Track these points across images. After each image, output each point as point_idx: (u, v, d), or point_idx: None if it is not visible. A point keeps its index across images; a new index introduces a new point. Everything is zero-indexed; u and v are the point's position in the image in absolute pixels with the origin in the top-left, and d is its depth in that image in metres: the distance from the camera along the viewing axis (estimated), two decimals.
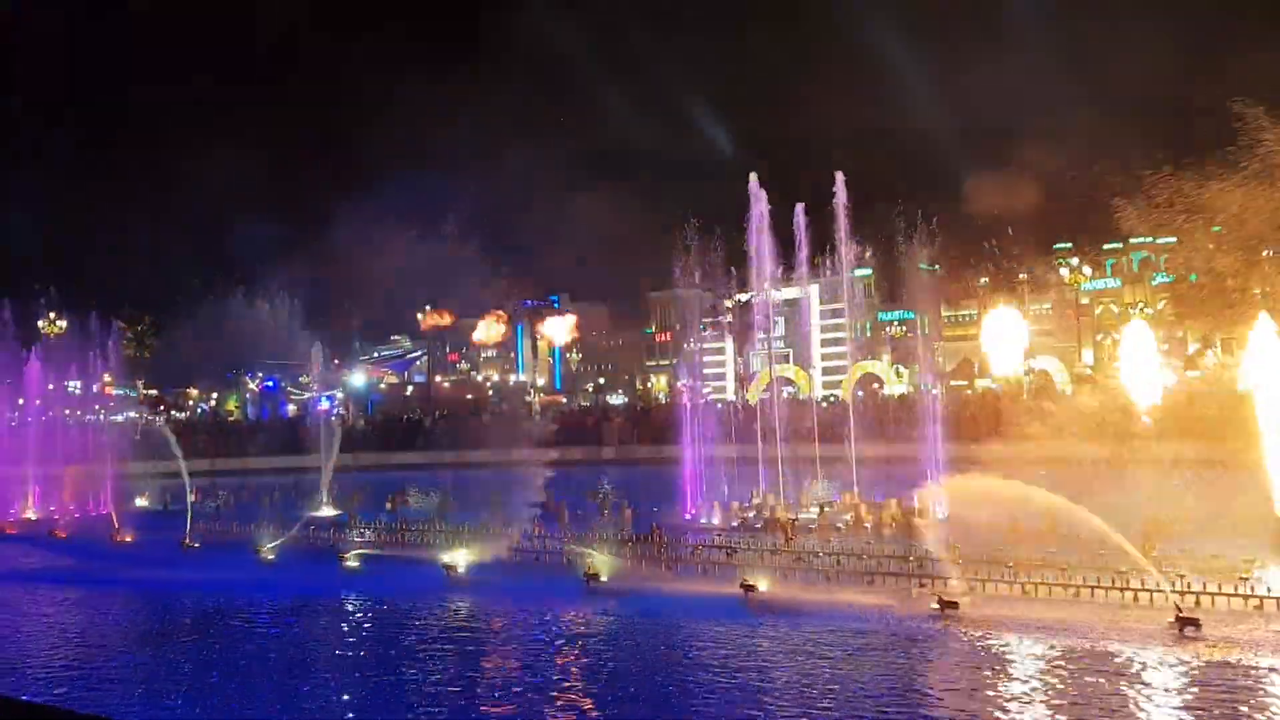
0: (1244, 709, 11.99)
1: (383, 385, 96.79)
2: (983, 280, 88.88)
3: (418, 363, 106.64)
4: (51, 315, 73.20)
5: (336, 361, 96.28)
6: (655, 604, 17.99)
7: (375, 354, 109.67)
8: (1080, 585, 17.34)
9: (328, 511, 31.02)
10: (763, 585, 17.91)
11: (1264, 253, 78.83)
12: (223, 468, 49.40)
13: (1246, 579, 17.15)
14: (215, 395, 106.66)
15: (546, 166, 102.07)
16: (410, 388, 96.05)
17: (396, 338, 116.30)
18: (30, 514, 32.84)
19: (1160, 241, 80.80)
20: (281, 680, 14.38)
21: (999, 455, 26.98)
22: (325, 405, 79.58)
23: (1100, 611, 16.25)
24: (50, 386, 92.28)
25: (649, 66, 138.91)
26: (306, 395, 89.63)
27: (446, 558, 21.43)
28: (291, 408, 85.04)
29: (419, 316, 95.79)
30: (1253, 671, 13.37)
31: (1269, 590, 16.29)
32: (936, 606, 16.41)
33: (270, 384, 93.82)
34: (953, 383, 67.05)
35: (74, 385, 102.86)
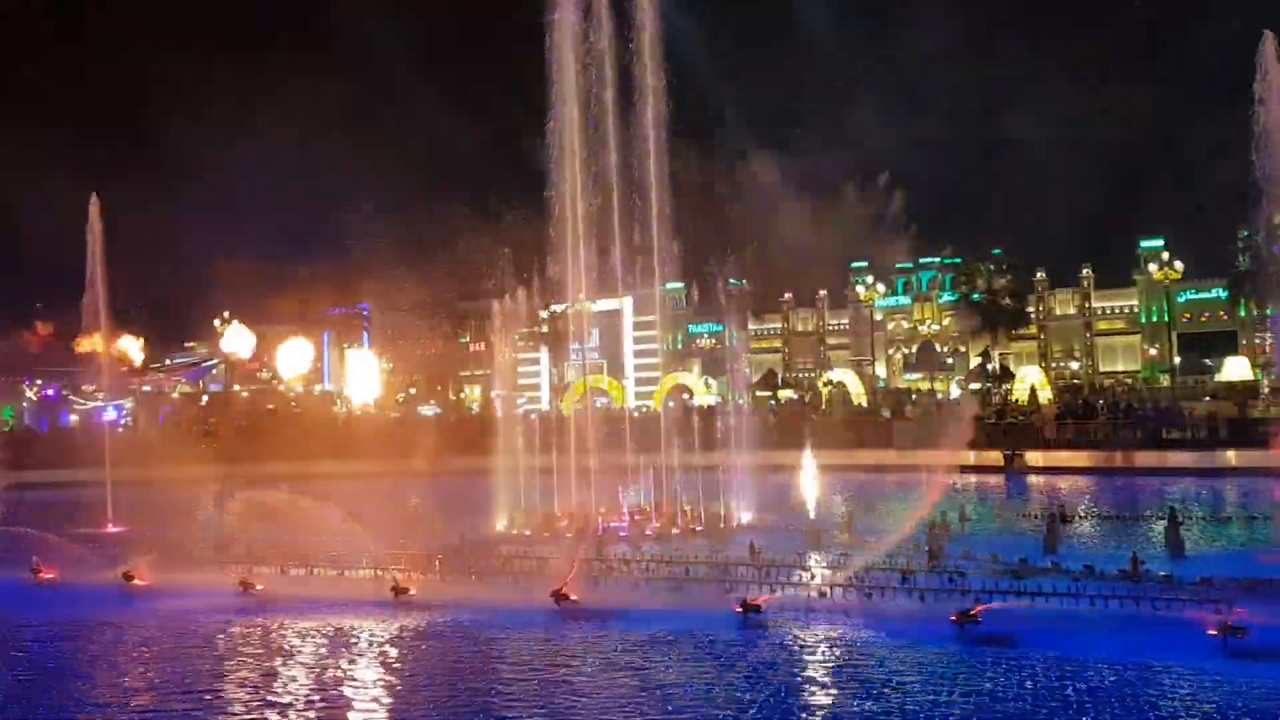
0: None
1: (175, 395, 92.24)
2: (786, 295, 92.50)
3: (213, 371, 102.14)
4: None
5: (126, 369, 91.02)
6: (466, 615, 18.08)
7: (168, 361, 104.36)
8: None
9: (113, 528, 29.48)
10: (574, 594, 18.28)
11: (1037, 274, 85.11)
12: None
13: None
14: None
15: (358, 168, 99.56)
16: (205, 397, 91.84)
17: (192, 345, 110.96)
18: None
19: (946, 261, 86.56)
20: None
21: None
22: (112, 415, 75.16)
23: None
24: None
25: (475, 66, 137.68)
26: (91, 405, 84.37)
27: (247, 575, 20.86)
28: (74, 418, 79.97)
29: (215, 325, 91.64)
30: None
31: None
32: (739, 609, 17.16)
33: (50, 393, 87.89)
34: (758, 393, 69.60)
35: None
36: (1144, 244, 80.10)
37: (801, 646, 15.80)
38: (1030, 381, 62.67)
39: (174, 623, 18.41)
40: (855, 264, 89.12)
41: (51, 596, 21.45)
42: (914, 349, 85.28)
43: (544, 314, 60.07)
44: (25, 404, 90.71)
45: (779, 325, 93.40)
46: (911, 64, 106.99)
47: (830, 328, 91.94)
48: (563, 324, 59.25)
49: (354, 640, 16.89)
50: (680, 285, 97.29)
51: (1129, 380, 75.86)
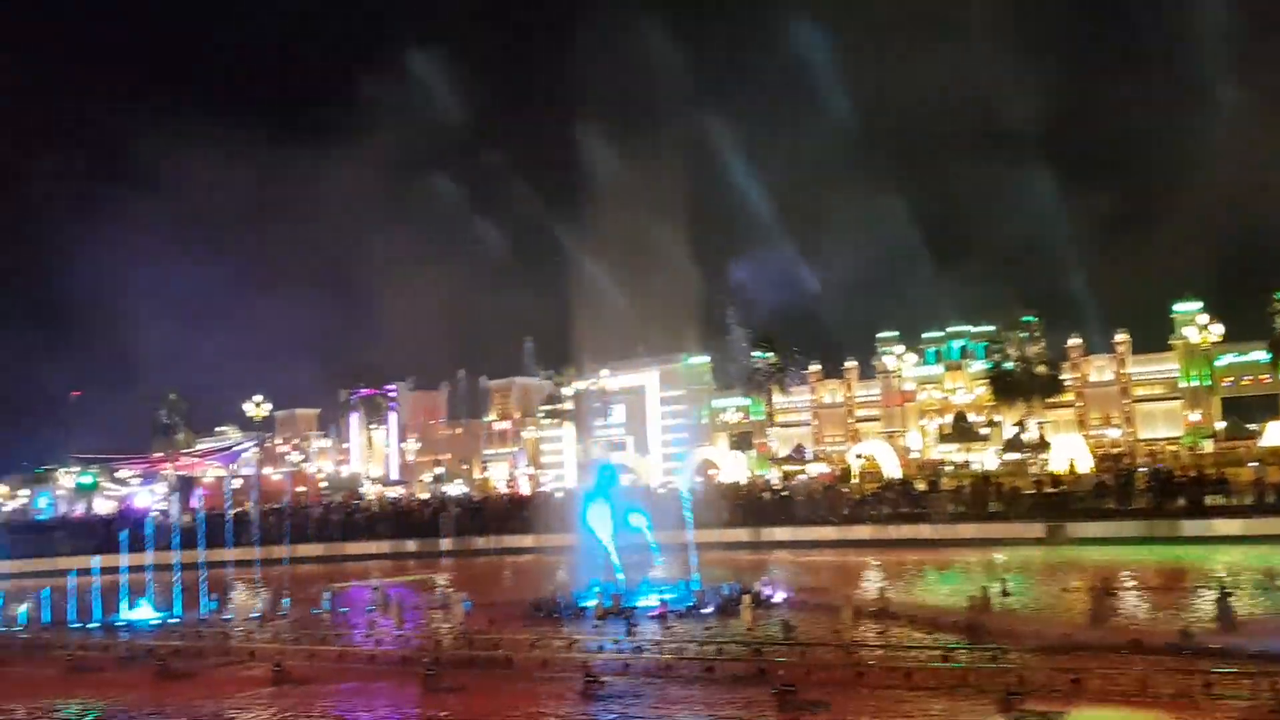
0: None
1: (208, 478, 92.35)
2: (814, 366, 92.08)
3: (246, 454, 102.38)
4: None
5: (159, 455, 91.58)
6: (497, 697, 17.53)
7: (201, 446, 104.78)
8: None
9: (147, 613, 29.20)
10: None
11: (1069, 340, 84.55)
12: (31, 569, 46.13)
13: None
14: (25, 492, 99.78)
15: (386, 248, 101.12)
16: (238, 481, 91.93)
17: (224, 429, 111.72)
18: None
19: (977, 329, 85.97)
20: None
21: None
22: (146, 500, 75.42)
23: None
24: None
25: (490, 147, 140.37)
26: (125, 490, 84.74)
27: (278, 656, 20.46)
28: (109, 504, 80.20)
29: (245, 409, 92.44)
30: None
31: None
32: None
33: (87, 480, 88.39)
34: (786, 467, 68.76)
35: None
36: (1178, 308, 79.28)
37: None
38: (1068, 450, 61.44)
39: None
40: (883, 334, 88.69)
41: None
42: (947, 419, 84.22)
43: (567, 391, 59.85)
44: (59, 492, 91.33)
45: (807, 397, 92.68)
46: (940, 127, 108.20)
47: (859, 399, 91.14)
48: (586, 400, 59.05)
49: None
50: (705, 359, 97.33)
51: (1171, 447, 74.42)
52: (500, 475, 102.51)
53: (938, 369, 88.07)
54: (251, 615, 27.91)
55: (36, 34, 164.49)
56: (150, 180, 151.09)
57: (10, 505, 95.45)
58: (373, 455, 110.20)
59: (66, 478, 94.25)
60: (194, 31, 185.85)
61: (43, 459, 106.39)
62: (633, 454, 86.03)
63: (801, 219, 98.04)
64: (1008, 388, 78.00)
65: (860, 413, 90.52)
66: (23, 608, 31.13)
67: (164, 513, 62.28)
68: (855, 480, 59.44)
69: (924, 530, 44.02)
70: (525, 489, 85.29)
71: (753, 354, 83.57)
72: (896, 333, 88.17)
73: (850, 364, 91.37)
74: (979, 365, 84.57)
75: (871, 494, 50.55)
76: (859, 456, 68.37)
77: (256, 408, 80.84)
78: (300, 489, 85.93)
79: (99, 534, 54.05)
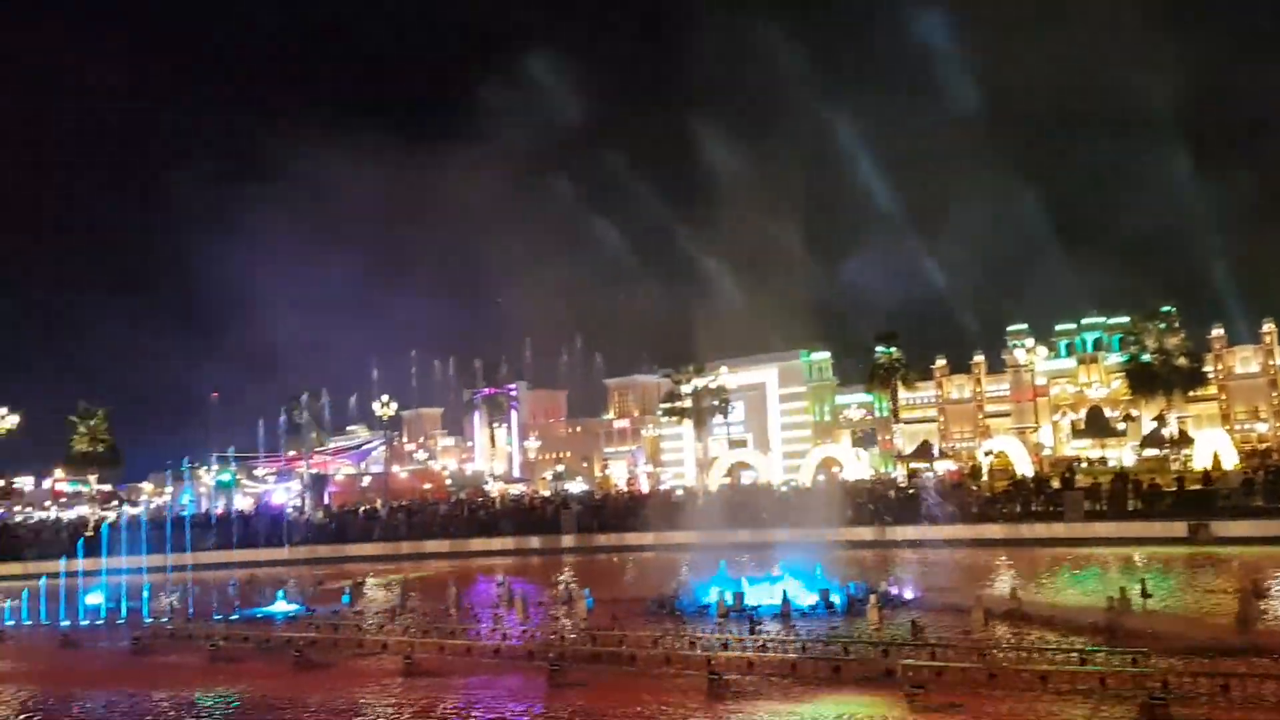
0: None
1: (339, 476, 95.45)
2: (940, 361, 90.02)
3: (374, 453, 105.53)
4: (2, 412, 71.85)
5: (293, 454, 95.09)
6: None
7: (333, 445, 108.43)
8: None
9: (285, 605, 30.25)
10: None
11: (1213, 331, 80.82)
12: (177, 563, 48.30)
13: None
14: (170, 489, 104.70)
15: (507, 249, 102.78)
16: (367, 478, 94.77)
17: (354, 428, 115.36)
18: None
19: (1112, 321, 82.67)
20: None
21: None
22: (282, 497, 78.37)
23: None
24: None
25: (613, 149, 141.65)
26: (262, 488, 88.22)
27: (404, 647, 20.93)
28: (247, 500, 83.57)
29: (374, 408, 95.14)
30: None
31: None
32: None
33: (227, 478, 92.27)
34: (912, 465, 67.28)
35: (22, 481, 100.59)
36: None
37: None
38: (1212, 445, 58.50)
39: None
40: (1012, 327, 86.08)
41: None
42: (1081, 414, 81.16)
43: (686, 389, 59.76)
44: (202, 489, 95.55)
45: (933, 393, 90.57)
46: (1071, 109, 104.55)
47: (988, 394, 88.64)
48: (704, 398, 58.83)
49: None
50: (826, 355, 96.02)
51: None
52: (620, 473, 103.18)
53: (1070, 362, 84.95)
54: (382, 609, 28.62)
55: (181, 43, 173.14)
56: (282, 187, 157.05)
57: (156, 502, 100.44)
58: (495, 453, 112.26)
59: (207, 475, 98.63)
60: (317, 39, 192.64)
61: (185, 458, 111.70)
62: (753, 451, 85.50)
63: (926, 209, 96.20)
64: (1145, 381, 74.62)
65: (989, 408, 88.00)
66: (168, 600, 32.69)
67: (298, 509, 64.51)
68: (985, 478, 57.77)
69: (1058, 529, 42.56)
70: (645, 487, 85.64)
71: (876, 349, 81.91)
72: (1026, 325, 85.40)
73: (978, 358, 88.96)
74: (1114, 358, 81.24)
75: (1002, 491, 49.12)
76: (989, 453, 66.42)
77: (384, 407, 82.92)
78: (426, 486, 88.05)
79: (238, 530, 56.47)
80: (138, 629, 25.95)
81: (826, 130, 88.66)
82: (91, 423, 63.28)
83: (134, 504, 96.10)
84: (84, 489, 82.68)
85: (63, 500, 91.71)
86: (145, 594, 34.91)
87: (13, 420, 71.31)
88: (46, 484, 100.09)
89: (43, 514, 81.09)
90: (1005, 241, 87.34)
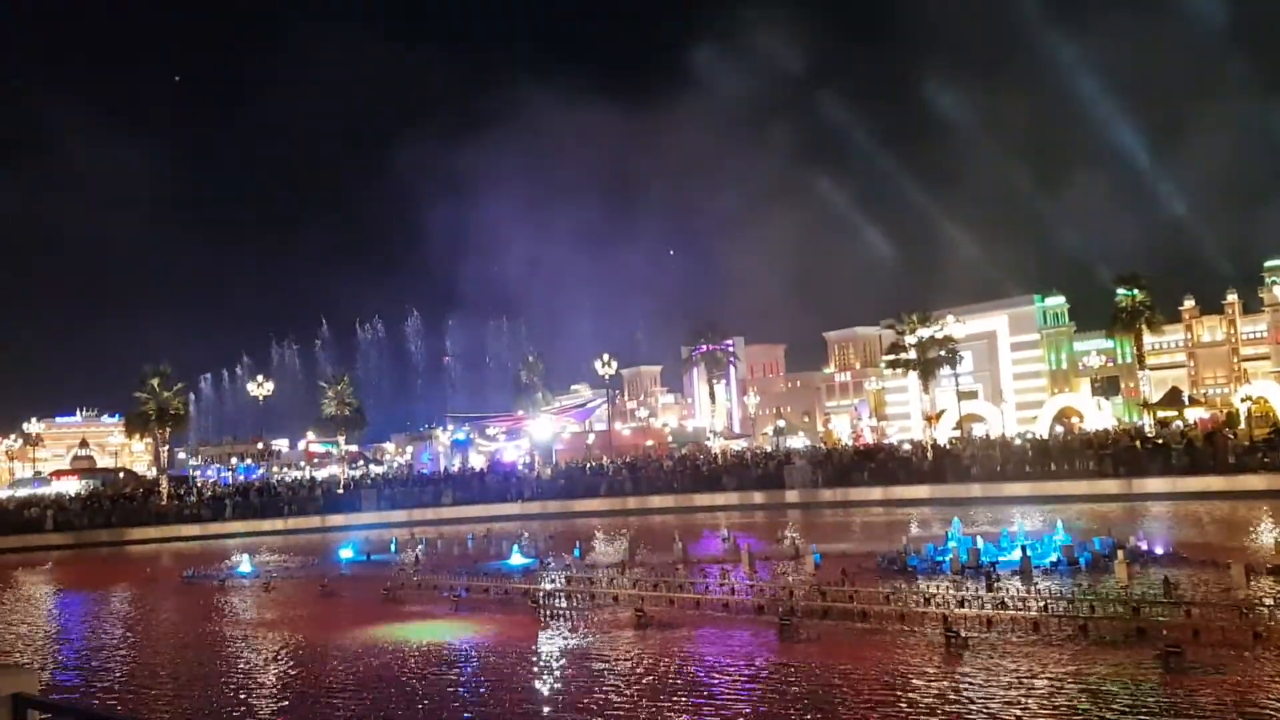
0: None
1: (565, 434, 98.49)
2: (1188, 302, 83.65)
3: (597, 411, 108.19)
4: (259, 379, 78.08)
5: (521, 413, 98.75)
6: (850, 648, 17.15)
7: (558, 404, 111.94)
8: None
9: (519, 559, 31.46)
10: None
11: None
12: (418, 518, 51.31)
13: None
14: (410, 449, 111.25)
15: (725, 204, 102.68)
16: (592, 436, 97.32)
17: (577, 387, 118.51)
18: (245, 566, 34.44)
19: None
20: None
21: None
22: (512, 455, 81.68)
23: None
24: (260, 445, 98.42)
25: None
26: (493, 446, 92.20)
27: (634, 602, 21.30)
28: (480, 458, 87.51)
29: (596, 366, 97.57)
30: None
31: None
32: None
33: (462, 438, 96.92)
34: (1160, 414, 62.82)
35: (279, 444, 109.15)
36: None
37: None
38: None
39: None
40: (1271, 261, 78.74)
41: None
42: None
43: (910, 340, 57.80)
44: (440, 448, 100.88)
45: (1181, 336, 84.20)
46: None
47: (1245, 335, 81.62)
48: (931, 349, 56.69)
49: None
50: (1061, 300, 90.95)
51: None
52: (842, 428, 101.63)
53: None
54: (612, 563, 29.26)
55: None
56: (505, 156, 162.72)
57: (399, 461, 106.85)
58: (715, 409, 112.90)
59: (444, 435, 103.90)
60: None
61: (424, 419, 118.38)
62: (984, 403, 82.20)
63: (1168, 137, 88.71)
64: None
65: (1246, 350, 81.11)
66: (413, 552, 34.64)
67: (529, 466, 66.96)
68: (1242, 426, 53.31)
69: None
70: (869, 441, 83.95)
71: (1117, 291, 76.92)
72: None
73: (1231, 297, 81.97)
74: None
75: (1263, 440, 45.16)
76: (1246, 399, 61.26)
77: (605, 366, 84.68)
78: (649, 443, 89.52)
79: (474, 486, 59.26)
80: (388, 580, 27.56)
81: (1057, 60, 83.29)
82: (339, 387, 68.00)
83: (378, 463, 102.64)
84: (333, 450, 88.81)
85: (315, 461, 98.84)
86: (392, 547, 37.21)
87: (268, 387, 77.40)
88: (300, 446, 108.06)
89: (298, 473, 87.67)
90: (1258, 169, 79.71)
